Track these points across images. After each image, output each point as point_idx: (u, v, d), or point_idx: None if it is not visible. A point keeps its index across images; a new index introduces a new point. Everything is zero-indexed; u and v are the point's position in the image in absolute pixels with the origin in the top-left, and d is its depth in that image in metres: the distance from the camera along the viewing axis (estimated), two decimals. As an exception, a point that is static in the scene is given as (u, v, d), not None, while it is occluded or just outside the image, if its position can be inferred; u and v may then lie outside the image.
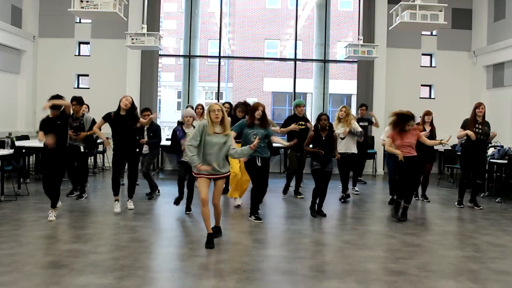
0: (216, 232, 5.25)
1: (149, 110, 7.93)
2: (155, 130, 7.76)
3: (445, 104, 11.93)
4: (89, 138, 7.71)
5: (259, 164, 6.19)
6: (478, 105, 7.32)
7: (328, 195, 6.82)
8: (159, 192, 7.99)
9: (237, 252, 4.89)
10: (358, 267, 4.46)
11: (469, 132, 7.16)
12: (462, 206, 7.54)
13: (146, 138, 7.66)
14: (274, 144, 6.93)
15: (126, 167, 7.24)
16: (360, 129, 7.73)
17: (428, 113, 7.89)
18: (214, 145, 4.92)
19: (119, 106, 6.49)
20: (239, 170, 7.03)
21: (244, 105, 7.30)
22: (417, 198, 8.06)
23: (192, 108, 8.84)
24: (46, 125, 6.06)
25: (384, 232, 5.96)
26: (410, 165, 6.39)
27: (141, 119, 7.01)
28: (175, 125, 8.43)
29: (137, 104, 10.68)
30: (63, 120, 6.05)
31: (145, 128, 7.71)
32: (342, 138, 7.49)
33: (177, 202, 6.84)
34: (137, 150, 6.67)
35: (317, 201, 6.68)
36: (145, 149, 7.77)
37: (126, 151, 6.53)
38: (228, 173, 5.22)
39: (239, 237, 5.54)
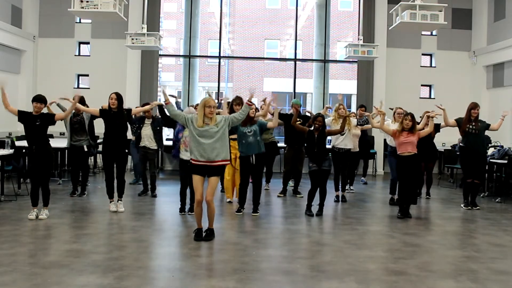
0: (209, 234, 5.23)
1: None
2: (158, 122, 7.88)
3: (445, 104, 11.58)
4: (91, 133, 7.79)
5: (253, 162, 6.48)
6: (474, 106, 7.32)
7: (329, 194, 6.82)
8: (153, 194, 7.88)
9: (237, 252, 4.89)
10: (358, 267, 4.45)
11: (451, 119, 7.39)
12: (469, 208, 7.35)
13: (150, 131, 7.85)
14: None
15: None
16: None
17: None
18: (207, 135, 5.03)
19: (109, 106, 6.59)
20: (229, 174, 7.25)
21: (239, 99, 7.50)
22: (420, 197, 8.06)
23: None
24: (25, 119, 6.03)
25: (384, 232, 5.96)
26: (410, 163, 6.48)
27: (134, 110, 7.07)
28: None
29: (137, 104, 10.73)
30: (42, 120, 6.01)
31: (149, 123, 7.89)
32: (343, 134, 7.56)
33: (182, 210, 6.65)
34: (126, 151, 6.69)
35: (319, 201, 6.69)
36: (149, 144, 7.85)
37: (114, 151, 6.51)
38: (227, 162, 5.22)
39: (239, 237, 5.54)
